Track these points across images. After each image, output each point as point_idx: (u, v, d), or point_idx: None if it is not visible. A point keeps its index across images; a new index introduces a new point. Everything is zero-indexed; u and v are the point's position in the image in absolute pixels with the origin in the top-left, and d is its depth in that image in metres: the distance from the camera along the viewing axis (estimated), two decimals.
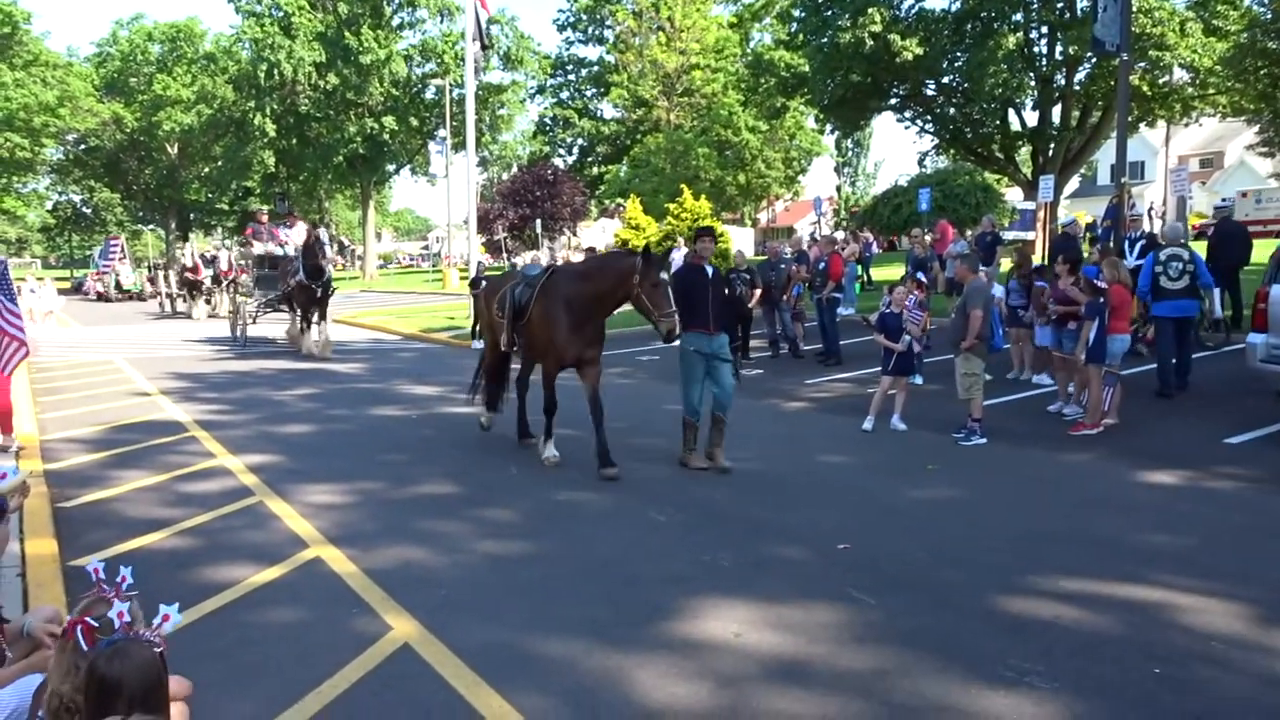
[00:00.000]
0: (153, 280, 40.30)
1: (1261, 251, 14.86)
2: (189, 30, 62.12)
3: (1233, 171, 53.69)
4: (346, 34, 51.27)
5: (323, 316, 17.68)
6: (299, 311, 18.20)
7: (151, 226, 74.61)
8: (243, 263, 23.59)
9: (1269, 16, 29.89)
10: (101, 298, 43.65)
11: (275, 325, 20.41)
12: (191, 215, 70.37)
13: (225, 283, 27.91)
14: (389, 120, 53.01)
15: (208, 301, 29.10)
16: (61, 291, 39.08)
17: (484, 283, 10.40)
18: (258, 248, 20.37)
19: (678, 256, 25.80)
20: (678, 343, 8.03)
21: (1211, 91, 31.97)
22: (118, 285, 43.29)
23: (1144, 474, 7.62)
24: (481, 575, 5.74)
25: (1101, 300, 9.30)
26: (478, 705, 4.08)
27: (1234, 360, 11.30)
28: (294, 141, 55.33)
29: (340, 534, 6.58)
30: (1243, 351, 9.67)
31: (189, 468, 8.72)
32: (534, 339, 8.52)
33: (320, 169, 55.59)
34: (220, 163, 59.59)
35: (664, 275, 7.55)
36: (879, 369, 10.10)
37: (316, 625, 5.02)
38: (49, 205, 71.60)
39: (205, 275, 28.76)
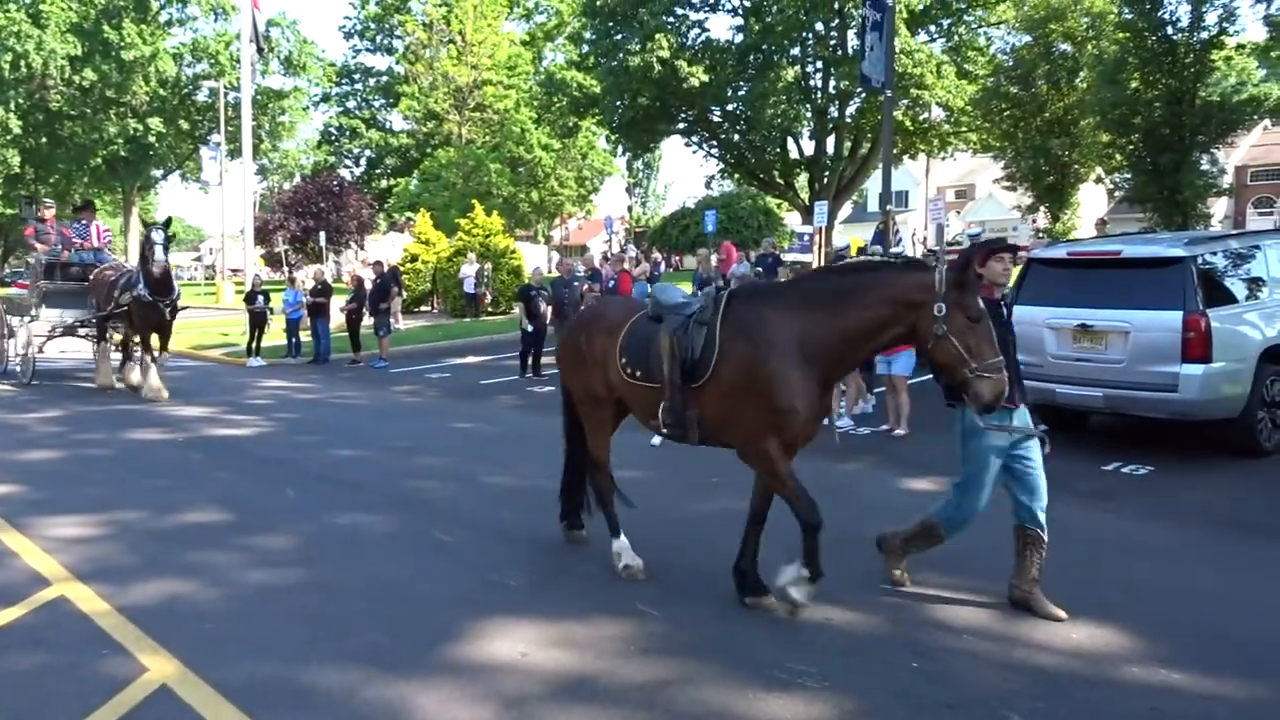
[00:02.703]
0: None
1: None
2: None
3: (983, 202, 59.12)
4: (106, 27, 47.41)
5: (164, 345, 14.09)
6: (120, 338, 14.79)
7: None
8: (18, 273, 19.51)
9: (1011, 64, 33.18)
10: None
11: (57, 352, 16.47)
12: None
13: None
14: (155, 122, 49.42)
15: None
16: None
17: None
18: (44, 251, 15.58)
19: (469, 272, 25.63)
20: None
21: (964, 129, 35.15)
22: None
23: (908, 481, 8.19)
24: (253, 607, 5.39)
25: None
26: None
27: None
28: (43, 140, 50.48)
29: (90, 569, 5.99)
30: None
31: None
32: (733, 413, 5.10)
33: (74, 171, 51.06)
34: None
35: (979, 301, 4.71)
36: None
37: (59, 670, 4.54)
38: None
39: None
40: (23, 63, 45.52)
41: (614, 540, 5.91)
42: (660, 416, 5.32)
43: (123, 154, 49.93)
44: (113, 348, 15.25)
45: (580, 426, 6.18)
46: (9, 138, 48.11)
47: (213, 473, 8.93)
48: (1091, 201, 41.07)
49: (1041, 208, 37.32)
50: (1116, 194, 35.59)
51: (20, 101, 47.57)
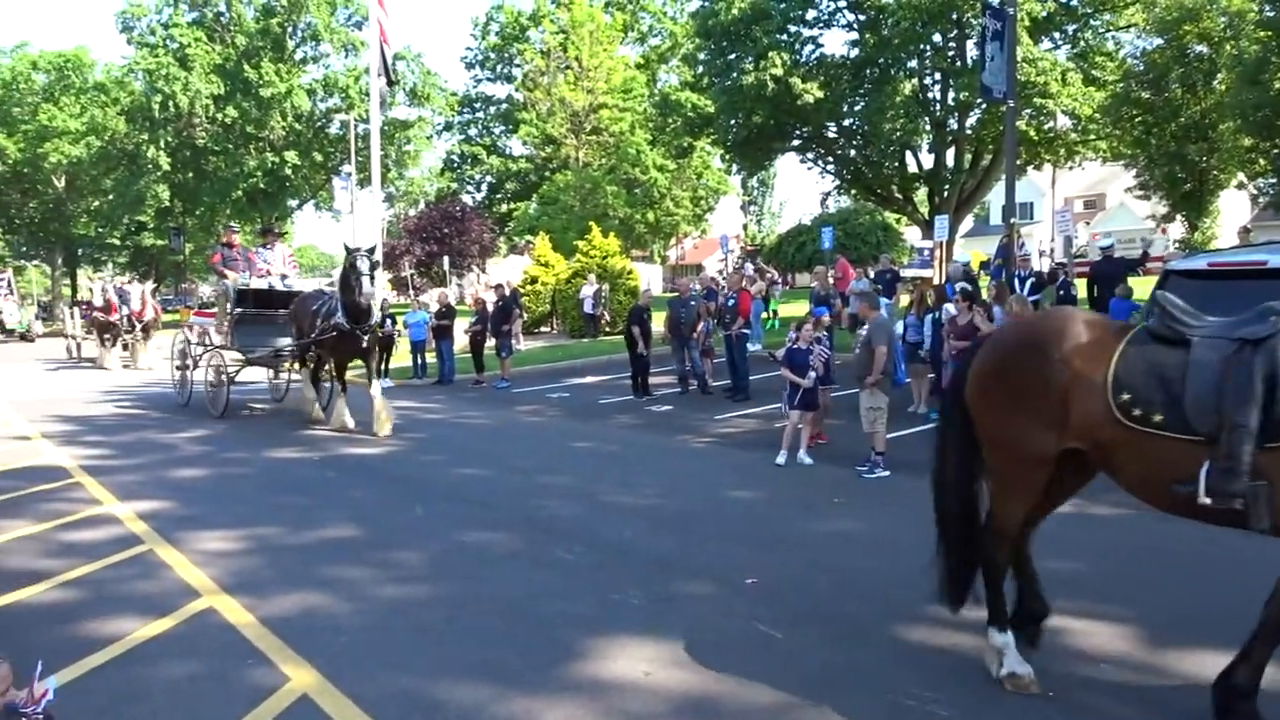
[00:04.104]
0: (44, 318, 37.84)
1: (1144, 288, 15.59)
2: (77, 60, 59.92)
3: (1114, 212, 56.57)
4: (246, 66, 50.37)
5: (372, 375, 13.15)
6: (318, 370, 13.97)
7: (36, 262, 71.32)
8: (202, 302, 18.85)
9: (1142, 68, 31.81)
10: None
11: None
12: (80, 250, 67.65)
13: (141, 325, 24.58)
14: (291, 155, 52.12)
15: (125, 348, 24.90)
16: None
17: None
18: (233, 278, 14.74)
19: (588, 293, 26.02)
20: None
21: (1092, 137, 33.79)
22: (0, 324, 40.51)
23: None
24: (385, 621, 5.59)
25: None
26: None
27: None
28: (190, 175, 53.87)
29: (235, 582, 6.32)
30: None
31: (73, 515, 8.30)
32: None
33: (218, 204, 54.13)
34: (111, 196, 57.48)
35: None
36: (782, 404, 10.26)
37: (209, 678, 4.80)
38: None
39: (119, 315, 24.38)
40: (171, 103, 48.73)
41: (996, 634, 4.47)
42: (1204, 481, 3.68)
43: (261, 186, 52.77)
44: (289, 376, 15.11)
45: (971, 482, 4.61)
46: (160, 174, 51.48)
47: (347, 490, 9.31)
48: (1233, 209, 38.90)
49: (1178, 216, 35.56)
50: (1260, 200, 33.60)
51: (169, 139, 50.87)
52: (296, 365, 14.74)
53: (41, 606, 5.94)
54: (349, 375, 13.96)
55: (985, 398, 4.41)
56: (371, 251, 12.56)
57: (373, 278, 12.27)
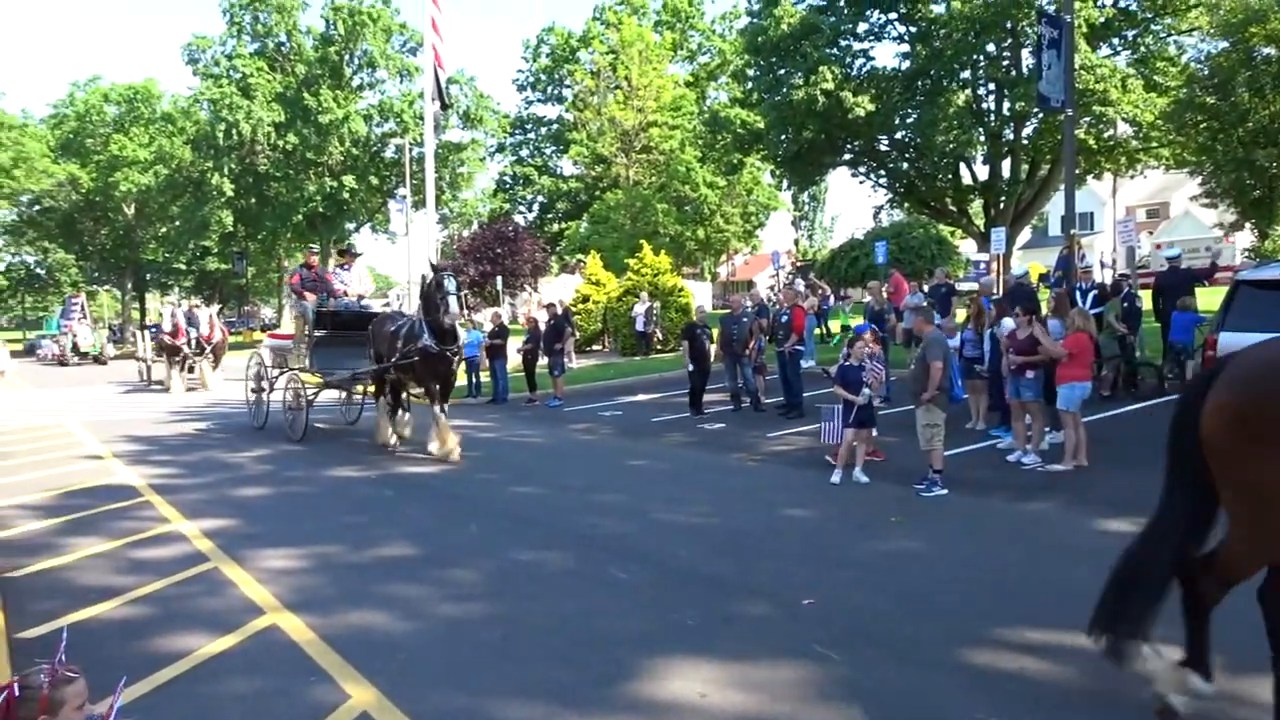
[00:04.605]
0: (115, 341, 38.70)
1: (1211, 299, 15.19)
2: (146, 91, 62.00)
3: (1178, 221, 55.27)
4: (305, 94, 51.67)
5: (446, 396, 12.55)
6: (396, 394, 13.60)
7: (107, 287, 73.74)
8: (263, 324, 18.59)
9: (1206, 72, 31.08)
10: (59, 361, 41.59)
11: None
12: (148, 275, 69.76)
13: (210, 347, 24.70)
14: (349, 179, 53.22)
15: (190, 370, 24.80)
16: (13, 354, 38.13)
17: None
18: (312, 300, 14.58)
19: (640, 310, 26.10)
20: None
21: (1154, 145, 33.08)
22: (74, 347, 41.57)
23: (1104, 521, 7.68)
24: (442, 639, 5.64)
25: None
26: None
27: None
28: (252, 201, 55.29)
29: (298, 600, 6.43)
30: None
31: (142, 533, 8.52)
32: None
33: (279, 228, 55.47)
34: (178, 223, 59.31)
35: None
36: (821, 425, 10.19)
37: (273, 695, 4.89)
38: (1, 266, 70.59)
39: (186, 338, 24.45)
40: (234, 131, 50.14)
41: (1183, 671, 4.07)
42: None
43: (320, 210, 53.98)
44: (362, 398, 15.04)
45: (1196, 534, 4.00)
46: (224, 200, 52.94)
47: (404, 509, 9.43)
48: None
49: (1247, 225, 34.59)
50: None
51: (233, 167, 52.32)
52: (368, 388, 14.62)
53: (114, 622, 6.10)
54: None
55: (1234, 434, 3.67)
56: (457, 271, 11.97)
57: (458, 298, 11.98)
